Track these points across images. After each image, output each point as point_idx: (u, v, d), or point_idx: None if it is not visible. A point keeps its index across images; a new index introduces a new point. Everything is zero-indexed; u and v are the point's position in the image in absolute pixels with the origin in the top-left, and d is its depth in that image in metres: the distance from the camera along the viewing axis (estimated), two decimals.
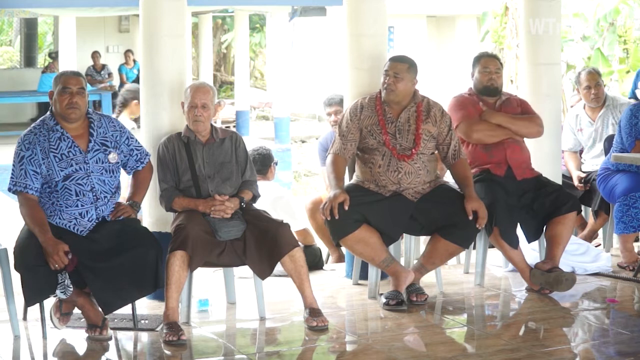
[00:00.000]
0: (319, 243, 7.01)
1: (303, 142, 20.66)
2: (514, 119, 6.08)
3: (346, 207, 5.39)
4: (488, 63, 6.13)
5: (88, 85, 5.16)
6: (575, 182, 7.13)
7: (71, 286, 4.78)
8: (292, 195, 7.31)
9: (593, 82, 7.19)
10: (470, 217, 5.46)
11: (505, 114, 6.09)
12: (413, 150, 5.60)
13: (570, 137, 7.25)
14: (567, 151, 7.27)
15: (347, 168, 5.79)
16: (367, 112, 5.67)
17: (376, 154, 5.61)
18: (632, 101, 7.45)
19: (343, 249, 6.31)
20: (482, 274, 6.07)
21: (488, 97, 6.14)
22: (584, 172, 7.22)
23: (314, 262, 6.62)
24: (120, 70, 19.43)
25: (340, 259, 6.88)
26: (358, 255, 5.80)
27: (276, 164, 6.99)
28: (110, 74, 18.98)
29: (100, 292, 4.83)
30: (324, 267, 6.79)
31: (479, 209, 5.49)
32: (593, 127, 7.21)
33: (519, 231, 5.96)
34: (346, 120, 5.70)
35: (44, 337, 4.93)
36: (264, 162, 6.80)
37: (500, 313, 5.71)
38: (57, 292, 4.77)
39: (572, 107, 7.85)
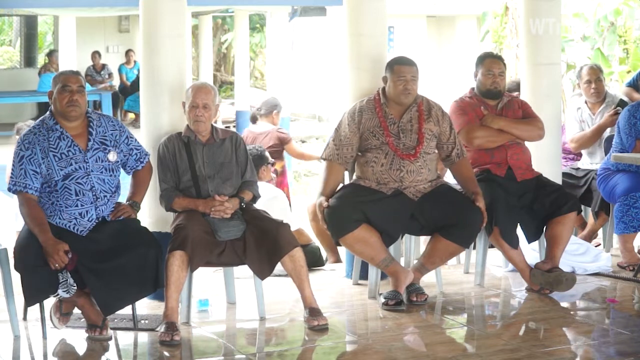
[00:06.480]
0: (318, 243, 7.01)
1: (303, 142, 20.63)
2: (516, 123, 6.06)
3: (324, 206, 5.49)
4: (492, 65, 6.09)
5: (88, 85, 5.18)
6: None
7: (74, 285, 4.79)
8: (286, 196, 7.27)
9: (594, 77, 7.18)
10: (485, 218, 5.52)
11: (507, 118, 6.07)
12: (417, 148, 5.60)
13: (574, 125, 7.18)
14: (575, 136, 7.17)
15: (347, 170, 5.81)
16: (367, 114, 5.66)
17: (379, 152, 5.60)
18: (631, 94, 7.45)
19: (342, 250, 6.31)
20: (482, 274, 6.07)
21: (490, 99, 6.13)
22: (582, 170, 7.21)
23: (314, 260, 6.62)
24: (120, 70, 19.42)
25: (337, 262, 6.90)
26: (357, 255, 5.80)
27: (272, 164, 6.95)
28: (110, 74, 18.97)
29: (100, 294, 4.83)
30: (324, 266, 6.78)
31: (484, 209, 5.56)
32: (592, 122, 7.20)
33: (519, 231, 5.96)
34: (344, 125, 5.69)
35: (44, 337, 4.93)
36: (254, 164, 6.77)
37: (500, 313, 5.71)
38: (60, 291, 4.78)
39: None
